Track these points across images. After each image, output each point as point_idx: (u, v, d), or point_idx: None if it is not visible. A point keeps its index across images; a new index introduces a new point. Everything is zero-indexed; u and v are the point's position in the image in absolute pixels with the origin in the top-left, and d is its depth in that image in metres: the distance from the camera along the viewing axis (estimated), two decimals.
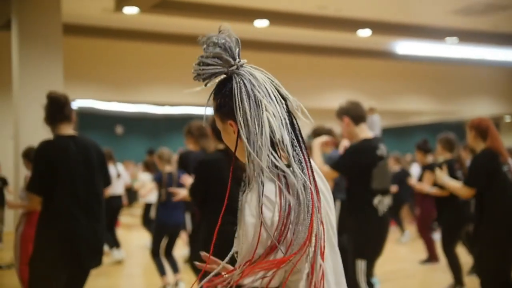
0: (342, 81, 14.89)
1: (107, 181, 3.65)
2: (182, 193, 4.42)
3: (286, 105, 1.45)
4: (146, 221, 8.46)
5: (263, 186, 1.35)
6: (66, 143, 3.38)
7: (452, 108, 16.88)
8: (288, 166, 1.39)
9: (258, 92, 1.40)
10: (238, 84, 1.41)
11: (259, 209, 1.33)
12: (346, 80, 14.92)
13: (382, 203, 3.89)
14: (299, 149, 1.40)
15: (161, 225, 5.95)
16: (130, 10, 9.83)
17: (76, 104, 15.15)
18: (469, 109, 16.60)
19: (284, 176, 1.37)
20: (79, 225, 3.30)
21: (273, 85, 1.45)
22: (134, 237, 10.13)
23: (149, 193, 7.68)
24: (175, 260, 6.09)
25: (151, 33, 11.78)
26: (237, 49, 1.46)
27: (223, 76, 1.46)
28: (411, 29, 11.85)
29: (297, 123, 1.45)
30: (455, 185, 4.30)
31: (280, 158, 1.40)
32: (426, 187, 6.06)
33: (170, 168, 6.09)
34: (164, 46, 12.25)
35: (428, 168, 6.39)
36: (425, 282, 6.60)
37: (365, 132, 4.01)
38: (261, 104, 1.38)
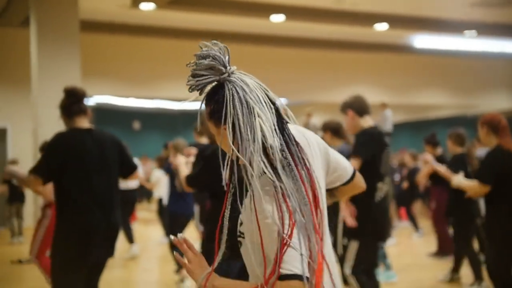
0: (359, 76, 14.80)
1: (131, 168, 3.64)
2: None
3: (275, 108, 1.50)
4: (161, 215, 8.50)
5: (258, 190, 1.41)
6: (82, 136, 3.40)
7: (470, 102, 16.70)
8: (275, 168, 1.44)
9: (250, 98, 1.45)
10: (231, 91, 1.46)
11: (266, 210, 1.40)
12: (363, 75, 14.83)
13: (382, 189, 3.99)
14: (287, 153, 1.46)
15: (174, 215, 6.03)
16: (147, 6, 9.87)
17: (94, 100, 15.28)
18: (487, 103, 16.42)
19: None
20: (94, 218, 3.32)
21: (263, 90, 1.50)
22: (151, 232, 10.19)
23: (160, 187, 7.74)
24: None
25: (167, 28, 11.82)
26: (227, 57, 1.50)
27: (214, 83, 1.51)
28: (428, 23, 11.73)
29: (286, 126, 1.51)
30: (469, 184, 4.29)
31: (272, 163, 1.44)
32: (430, 161, 6.00)
33: None
34: (181, 42, 12.28)
35: (439, 160, 6.37)
36: (438, 274, 6.61)
37: (369, 122, 4.12)
38: (253, 111, 1.44)
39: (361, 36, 13.00)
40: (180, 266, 6.01)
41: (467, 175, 5.07)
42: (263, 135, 1.42)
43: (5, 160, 11.62)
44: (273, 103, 1.50)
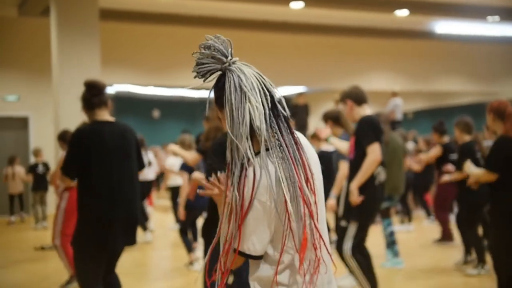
0: (379, 63, 14.67)
1: (141, 165, 3.74)
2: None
3: (271, 96, 1.65)
4: (174, 204, 8.62)
5: (246, 168, 1.59)
6: (103, 128, 3.47)
7: (491, 89, 16.44)
8: (267, 150, 1.62)
9: (244, 86, 1.61)
10: (229, 79, 1.63)
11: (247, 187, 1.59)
12: (383, 62, 14.69)
13: (380, 174, 4.26)
14: (280, 135, 1.63)
15: (189, 207, 6.29)
16: None
17: (113, 88, 15.37)
18: (509, 90, 16.15)
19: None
20: (115, 208, 3.42)
21: (259, 79, 1.65)
22: (169, 220, 10.26)
23: (173, 175, 7.96)
24: (197, 230, 6.54)
25: (186, 16, 11.81)
26: (230, 49, 1.66)
27: (219, 72, 1.68)
28: (450, 8, 11.55)
29: (282, 113, 1.66)
30: (478, 172, 4.35)
31: (262, 143, 1.62)
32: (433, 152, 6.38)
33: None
34: (200, 30, 12.25)
35: (445, 148, 6.68)
36: (440, 258, 6.69)
37: (367, 110, 4.36)
38: (245, 97, 1.60)
39: (381, 22, 12.86)
40: (189, 250, 6.28)
41: (476, 163, 5.16)
42: (252, 119, 1.59)
43: (27, 148, 11.80)
44: (269, 92, 1.65)
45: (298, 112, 11.70)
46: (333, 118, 5.48)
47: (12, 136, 11.99)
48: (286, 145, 1.62)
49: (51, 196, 10.10)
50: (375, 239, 6.49)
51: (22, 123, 11.98)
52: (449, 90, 16.72)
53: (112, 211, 3.40)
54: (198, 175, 4.54)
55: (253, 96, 1.60)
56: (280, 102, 1.68)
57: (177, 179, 7.96)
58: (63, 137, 5.87)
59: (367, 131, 4.17)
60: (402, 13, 11.53)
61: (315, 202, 1.65)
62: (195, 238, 6.57)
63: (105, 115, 3.54)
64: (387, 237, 6.19)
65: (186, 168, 6.23)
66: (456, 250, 7.07)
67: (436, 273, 5.98)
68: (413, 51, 14.85)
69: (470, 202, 5.76)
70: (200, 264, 6.29)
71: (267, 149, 1.62)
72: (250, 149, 1.60)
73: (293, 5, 10.85)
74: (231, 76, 1.62)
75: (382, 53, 14.59)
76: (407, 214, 9.20)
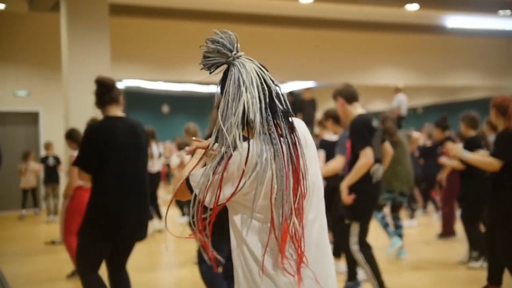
0: (389, 58, 14.60)
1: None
2: None
3: (269, 91, 1.71)
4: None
5: (230, 154, 1.66)
6: (114, 124, 3.54)
7: (503, 83, 16.32)
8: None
9: (243, 80, 1.69)
10: (230, 72, 1.72)
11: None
12: (393, 56, 14.62)
13: (378, 171, 4.33)
14: (273, 127, 1.68)
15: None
16: None
17: (123, 83, 15.42)
18: None
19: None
20: (126, 203, 3.47)
21: (260, 74, 1.72)
22: (177, 213, 10.31)
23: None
24: None
25: (196, 11, 11.81)
26: (235, 45, 1.74)
27: (224, 65, 1.76)
28: (461, 2, 11.47)
29: (279, 107, 1.72)
30: (481, 159, 4.43)
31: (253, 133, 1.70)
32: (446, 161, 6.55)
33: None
34: (210, 24, 12.26)
35: (446, 140, 6.83)
36: (446, 252, 6.75)
37: (358, 109, 4.41)
38: (242, 90, 1.68)
39: (391, 16, 12.79)
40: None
41: None
42: (247, 111, 1.66)
43: (38, 142, 11.88)
44: (268, 87, 1.71)
45: (305, 107, 11.69)
46: (333, 117, 5.59)
47: (22, 131, 12.08)
48: (279, 140, 1.68)
49: (63, 189, 10.22)
50: (373, 232, 6.56)
51: (32, 118, 12.06)
52: (460, 84, 16.61)
53: (123, 206, 3.45)
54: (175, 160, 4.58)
55: (249, 90, 1.67)
56: (278, 97, 1.73)
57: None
58: (70, 136, 5.97)
59: (358, 136, 4.26)
60: (412, 7, 11.45)
61: (302, 200, 1.68)
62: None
63: (116, 111, 3.60)
64: (381, 222, 6.38)
65: None
66: (459, 244, 7.13)
67: (439, 266, 6.06)
68: (423, 46, 14.77)
69: (472, 197, 5.80)
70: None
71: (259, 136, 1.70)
72: (239, 138, 1.67)
73: (303, 0, 10.83)
74: (233, 70, 1.71)
75: (392, 48, 14.52)
76: (412, 209, 9.26)
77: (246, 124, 1.69)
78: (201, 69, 1.76)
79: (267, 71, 1.75)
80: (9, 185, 11.58)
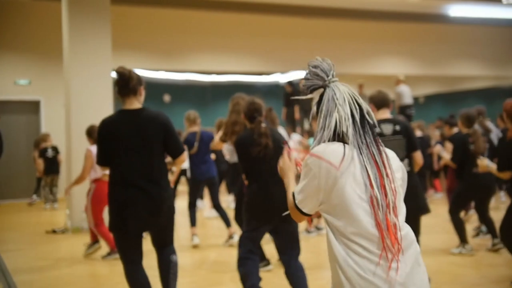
0: (392, 47, 14.54)
1: (176, 151, 3.79)
2: None
3: (360, 109, 1.97)
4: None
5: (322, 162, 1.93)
6: (122, 118, 3.61)
7: (506, 73, 16.26)
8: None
9: (336, 99, 1.97)
10: (326, 94, 2.01)
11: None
12: (396, 46, 14.56)
13: None
14: (364, 138, 1.94)
15: (194, 179, 6.74)
16: None
17: None
18: None
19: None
20: (129, 191, 3.56)
21: (351, 95, 1.99)
22: (185, 203, 10.34)
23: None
24: (225, 213, 6.74)
25: (198, 0, 11.75)
26: (332, 71, 2.03)
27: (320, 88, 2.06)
28: None
29: (368, 124, 1.97)
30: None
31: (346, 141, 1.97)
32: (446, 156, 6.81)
33: (196, 128, 6.94)
34: (212, 14, 12.21)
35: (449, 139, 7.02)
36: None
37: (382, 115, 4.51)
38: (334, 108, 1.96)
39: (393, 5, 12.72)
40: (193, 224, 6.72)
41: (467, 154, 5.93)
42: (338, 125, 1.93)
43: (39, 132, 11.88)
44: (359, 105, 1.97)
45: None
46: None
47: (24, 119, 12.08)
48: (367, 146, 1.93)
49: (62, 181, 10.25)
50: None
51: (33, 107, 12.06)
52: (462, 74, 16.55)
53: (125, 196, 3.55)
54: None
55: (341, 108, 1.94)
56: (368, 113, 1.98)
57: (185, 163, 8.06)
58: (88, 133, 6.35)
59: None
60: None
61: (395, 202, 1.87)
62: (227, 224, 6.75)
63: (132, 104, 3.66)
64: None
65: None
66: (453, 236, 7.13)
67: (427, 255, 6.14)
68: (425, 35, 14.70)
69: (462, 190, 6.14)
70: (234, 237, 6.71)
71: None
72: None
73: None
74: (328, 92, 2.00)
75: (394, 37, 14.45)
76: None
77: (341, 136, 1.94)
78: (302, 90, 2.10)
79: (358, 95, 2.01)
80: (9, 174, 11.60)
